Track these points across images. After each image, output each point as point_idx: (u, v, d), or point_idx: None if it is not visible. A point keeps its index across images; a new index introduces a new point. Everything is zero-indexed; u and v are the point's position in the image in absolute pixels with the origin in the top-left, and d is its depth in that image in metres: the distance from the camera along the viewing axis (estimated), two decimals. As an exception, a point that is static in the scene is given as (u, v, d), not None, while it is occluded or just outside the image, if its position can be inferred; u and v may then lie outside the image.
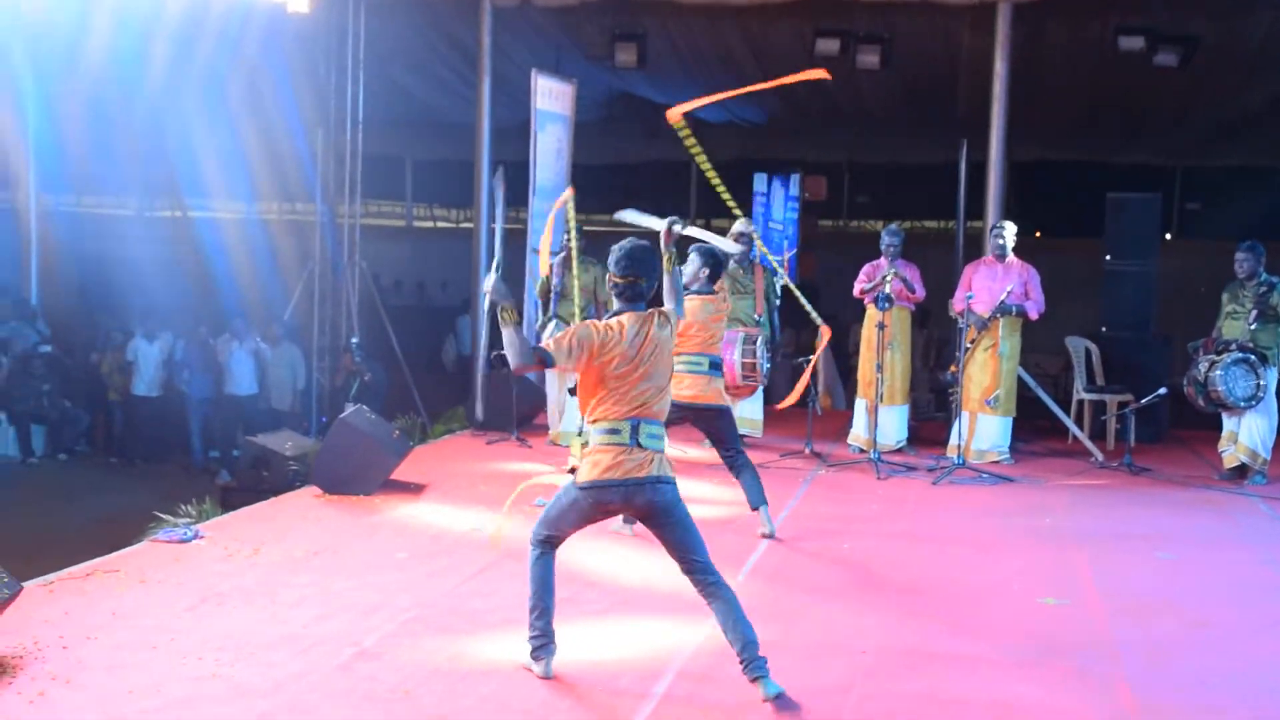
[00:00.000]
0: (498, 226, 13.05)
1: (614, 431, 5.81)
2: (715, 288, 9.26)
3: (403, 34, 17.11)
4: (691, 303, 8.67)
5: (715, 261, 8.87)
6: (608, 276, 6.07)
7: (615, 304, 6.04)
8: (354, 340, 16.09)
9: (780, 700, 5.66)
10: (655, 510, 5.88)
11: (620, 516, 8.71)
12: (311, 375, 16.77)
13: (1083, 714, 5.81)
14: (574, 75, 15.75)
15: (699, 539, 5.92)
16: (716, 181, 8.74)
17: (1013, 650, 6.74)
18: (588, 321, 5.95)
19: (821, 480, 11.34)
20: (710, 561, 5.91)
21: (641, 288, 5.99)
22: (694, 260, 8.83)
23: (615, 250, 6.02)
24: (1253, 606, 7.81)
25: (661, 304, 6.14)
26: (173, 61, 14.97)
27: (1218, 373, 11.47)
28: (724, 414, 8.92)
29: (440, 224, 27.98)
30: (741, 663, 5.72)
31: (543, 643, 5.97)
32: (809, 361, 13.13)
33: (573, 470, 6.03)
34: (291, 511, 9.61)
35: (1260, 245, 11.80)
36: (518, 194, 15.29)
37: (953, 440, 12.04)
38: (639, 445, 5.79)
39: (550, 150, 14.76)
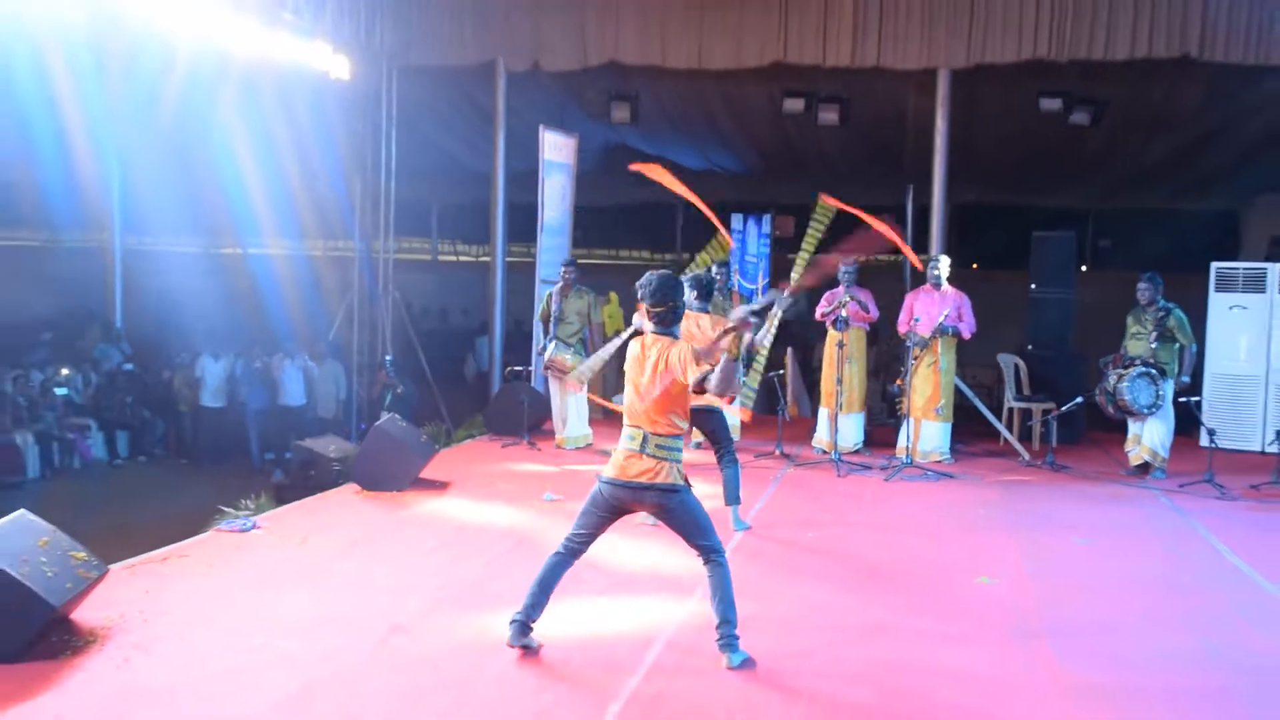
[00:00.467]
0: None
1: (628, 438, 5.84)
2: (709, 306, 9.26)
3: (429, 96, 17.11)
4: (687, 320, 8.67)
5: (702, 284, 8.85)
6: (645, 309, 5.97)
7: (652, 327, 5.95)
8: (388, 358, 16.09)
9: (744, 665, 5.75)
10: (660, 512, 5.92)
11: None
12: (352, 388, 16.81)
13: (1013, 679, 5.82)
14: (576, 130, 15.76)
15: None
16: (706, 213, 8.72)
17: (953, 623, 6.74)
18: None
19: (790, 477, 11.32)
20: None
21: (675, 313, 5.95)
22: (686, 286, 8.81)
23: (648, 282, 5.95)
24: (1155, 584, 7.83)
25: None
26: (234, 118, 14.99)
27: (1124, 384, 11.51)
28: (714, 414, 8.88)
29: (462, 258, 27.95)
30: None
31: (523, 620, 5.97)
32: (780, 375, 13.19)
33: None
34: (335, 506, 9.61)
35: (1159, 276, 11.84)
36: (527, 231, 15.26)
37: (901, 442, 12.03)
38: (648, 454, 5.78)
39: (556, 194, 14.75)
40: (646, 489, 5.80)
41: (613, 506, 5.94)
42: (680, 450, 5.87)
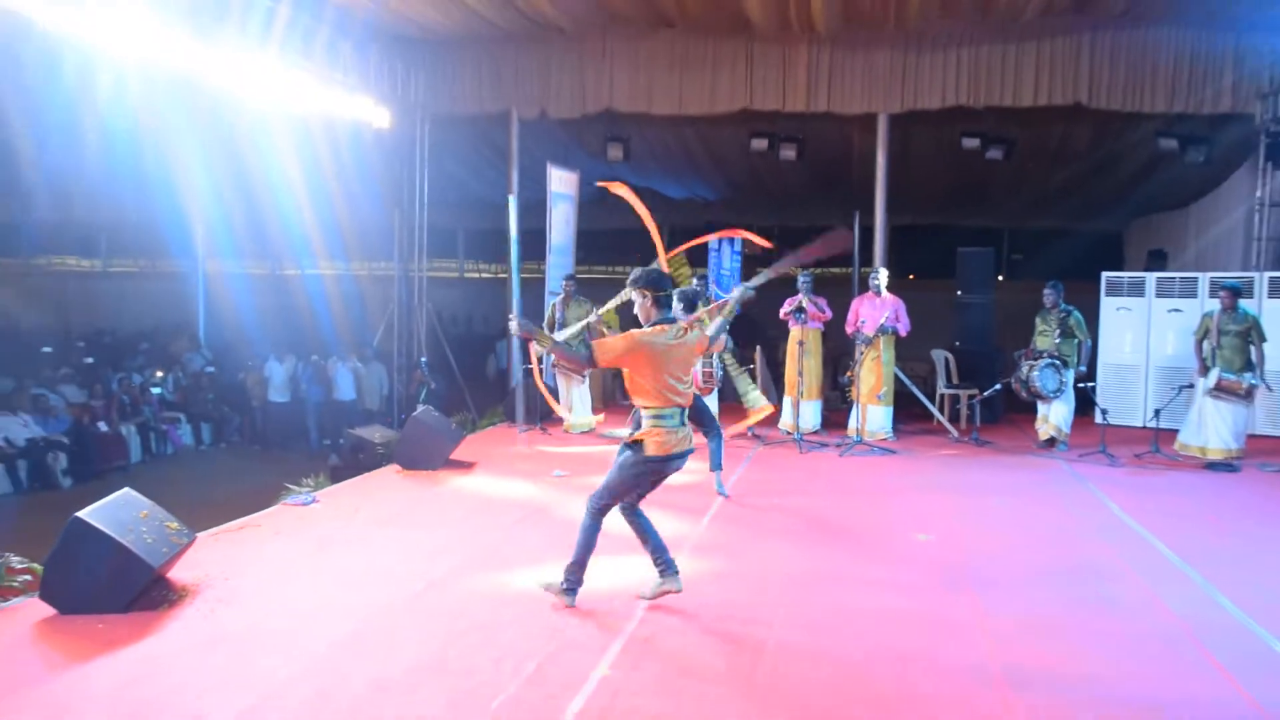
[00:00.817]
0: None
1: (664, 417, 5.67)
2: (696, 315, 9.24)
3: (455, 140, 17.13)
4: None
5: (688, 298, 8.83)
6: (643, 293, 5.77)
7: (655, 314, 5.76)
8: (423, 360, 16.08)
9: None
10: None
11: None
12: (393, 385, 16.81)
13: (947, 619, 5.81)
14: (578, 167, 15.75)
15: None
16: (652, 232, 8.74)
17: (898, 573, 6.75)
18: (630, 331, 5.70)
19: (760, 455, 11.33)
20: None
21: (669, 298, 5.81)
22: (675, 299, 8.79)
23: (640, 275, 5.81)
24: (1059, 537, 7.84)
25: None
26: (293, 161, 15.01)
27: (1034, 373, 11.56)
28: (696, 399, 8.87)
29: (484, 275, 27.92)
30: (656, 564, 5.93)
31: (572, 587, 5.88)
32: (751, 369, 13.18)
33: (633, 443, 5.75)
34: (380, 483, 9.61)
35: (1060, 284, 11.96)
36: (538, 251, 15.26)
37: (852, 424, 12.05)
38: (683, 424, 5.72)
39: (561, 220, 14.74)
40: (685, 455, 5.78)
41: (661, 478, 5.89)
42: None
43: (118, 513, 5.87)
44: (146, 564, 5.68)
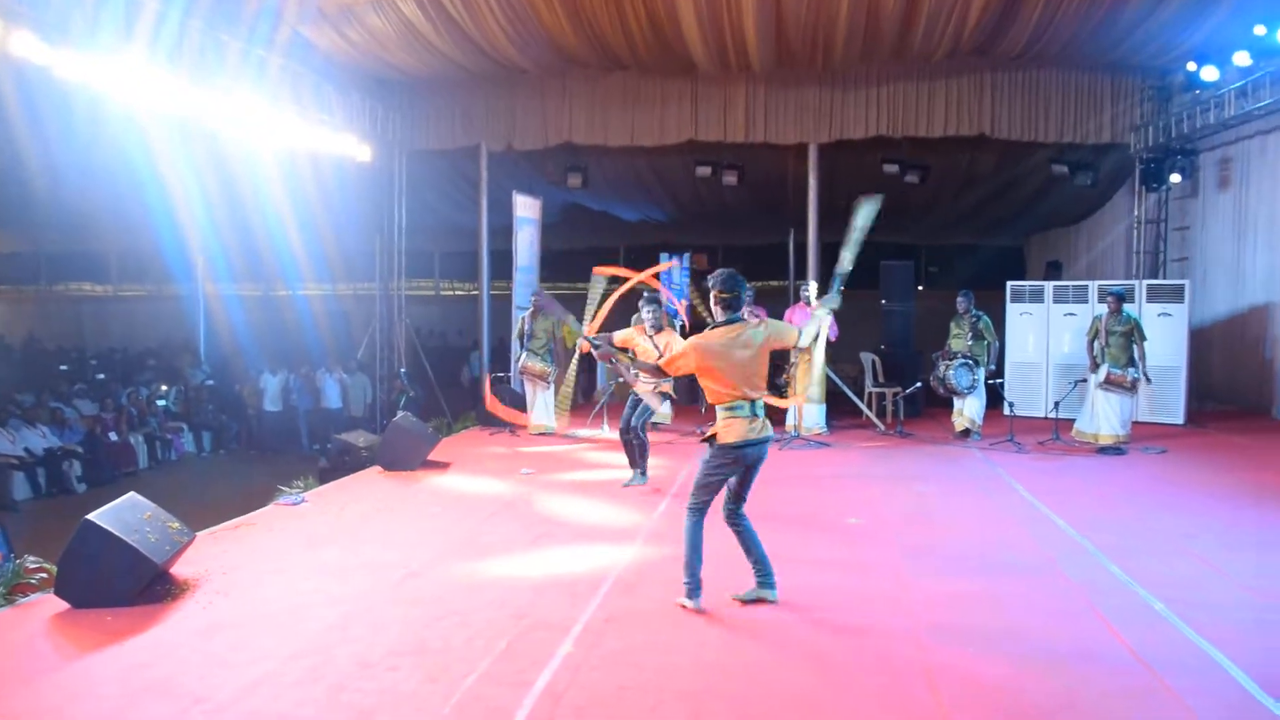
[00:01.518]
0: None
1: (735, 408, 5.43)
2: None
3: (430, 172, 17.09)
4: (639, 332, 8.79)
5: (659, 304, 8.82)
6: (713, 293, 5.54)
7: (719, 315, 5.55)
8: (402, 370, 16.01)
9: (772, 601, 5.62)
10: (759, 460, 5.56)
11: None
12: (376, 393, 16.74)
13: (878, 593, 5.84)
14: (540, 194, 15.72)
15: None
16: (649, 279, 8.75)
17: (832, 553, 6.77)
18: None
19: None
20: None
21: (739, 300, 5.55)
22: (646, 309, 8.76)
23: (716, 276, 5.57)
24: (975, 517, 7.90)
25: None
26: (283, 192, 14.90)
27: (950, 372, 11.66)
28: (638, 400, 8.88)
29: (458, 292, 27.70)
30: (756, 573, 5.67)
31: (691, 590, 5.52)
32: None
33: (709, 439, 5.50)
34: (364, 482, 9.51)
35: (971, 292, 12.09)
36: (505, 270, 15.23)
37: (790, 420, 12.07)
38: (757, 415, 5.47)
39: (526, 243, 14.68)
40: (766, 441, 5.52)
41: (742, 466, 5.52)
42: None
43: (124, 515, 5.79)
44: (151, 561, 5.60)
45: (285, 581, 6.10)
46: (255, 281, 25.08)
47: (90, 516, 5.59)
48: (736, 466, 5.50)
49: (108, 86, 9.35)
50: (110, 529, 5.55)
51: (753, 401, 5.45)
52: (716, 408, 5.51)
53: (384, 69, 14.19)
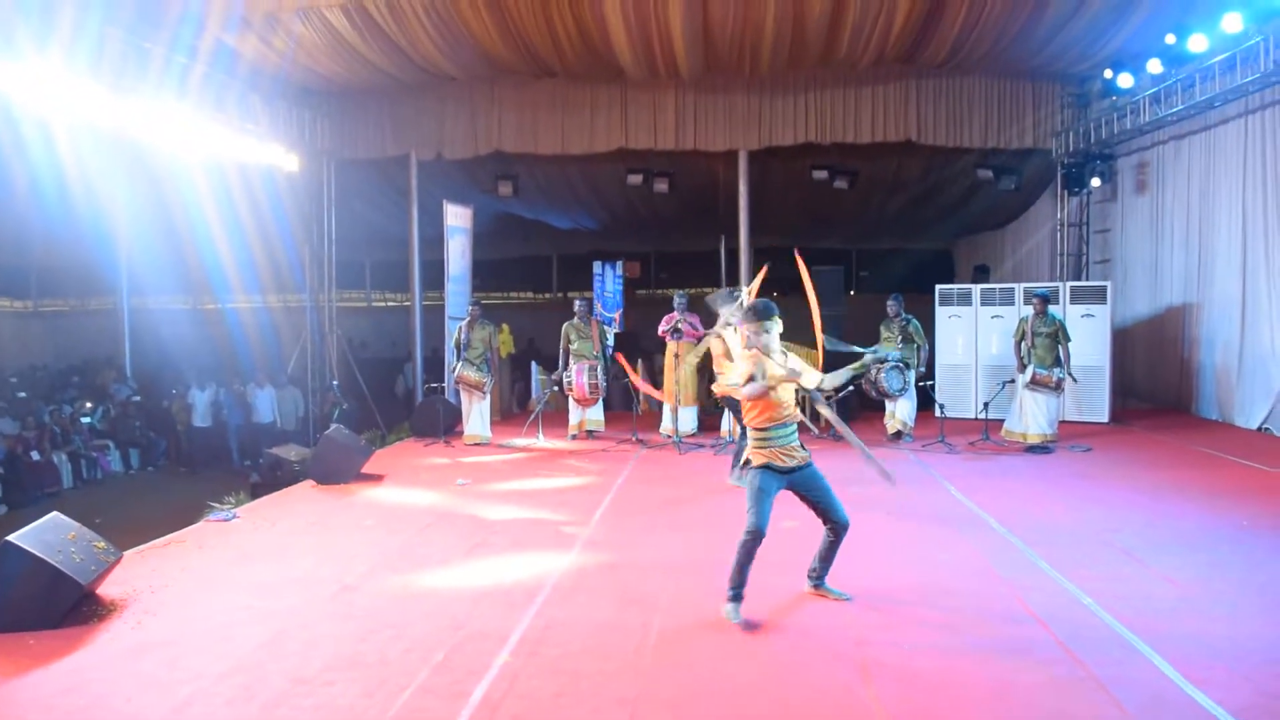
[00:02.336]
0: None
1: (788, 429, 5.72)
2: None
3: (359, 181, 16.94)
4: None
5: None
6: (745, 326, 5.69)
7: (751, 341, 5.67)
8: (334, 383, 15.83)
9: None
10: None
11: None
12: (308, 407, 16.52)
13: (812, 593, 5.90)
14: (471, 203, 15.67)
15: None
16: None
17: (767, 555, 6.77)
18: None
19: (644, 456, 11.34)
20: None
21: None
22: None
23: (752, 308, 5.74)
24: (907, 516, 8.00)
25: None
26: (210, 203, 14.69)
27: (881, 375, 11.80)
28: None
29: (390, 303, 27.42)
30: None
31: (736, 596, 5.50)
32: (630, 381, 13.21)
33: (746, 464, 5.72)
34: (296, 497, 9.35)
35: (901, 296, 12.24)
36: (437, 280, 15.14)
37: (725, 426, 12.12)
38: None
39: (458, 252, 14.62)
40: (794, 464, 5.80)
41: (789, 480, 5.80)
42: None
43: (46, 535, 5.65)
44: (75, 582, 5.47)
45: (217, 599, 5.98)
46: (183, 294, 24.64)
47: (10, 537, 5.44)
48: (776, 490, 5.78)
49: (24, 94, 9.14)
50: (31, 550, 5.40)
51: (786, 424, 5.87)
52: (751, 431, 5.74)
53: (311, 78, 14.03)
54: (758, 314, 5.65)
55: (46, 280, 26.98)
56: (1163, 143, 13.80)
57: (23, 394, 19.00)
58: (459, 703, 4.37)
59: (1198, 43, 11.16)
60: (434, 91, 14.92)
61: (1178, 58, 11.65)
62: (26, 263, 25.52)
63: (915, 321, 12.05)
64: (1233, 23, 10.49)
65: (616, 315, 13.42)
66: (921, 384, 12.16)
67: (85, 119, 10.25)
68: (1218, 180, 12.57)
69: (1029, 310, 11.63)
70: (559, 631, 5.30)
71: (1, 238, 20.35)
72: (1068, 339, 11.22)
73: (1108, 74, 12.99)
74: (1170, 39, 11.41)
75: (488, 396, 12.30)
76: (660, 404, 12.99)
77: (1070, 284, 13.71)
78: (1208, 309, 12.91)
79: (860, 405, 14.03)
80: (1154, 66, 12.07)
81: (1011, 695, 4.38)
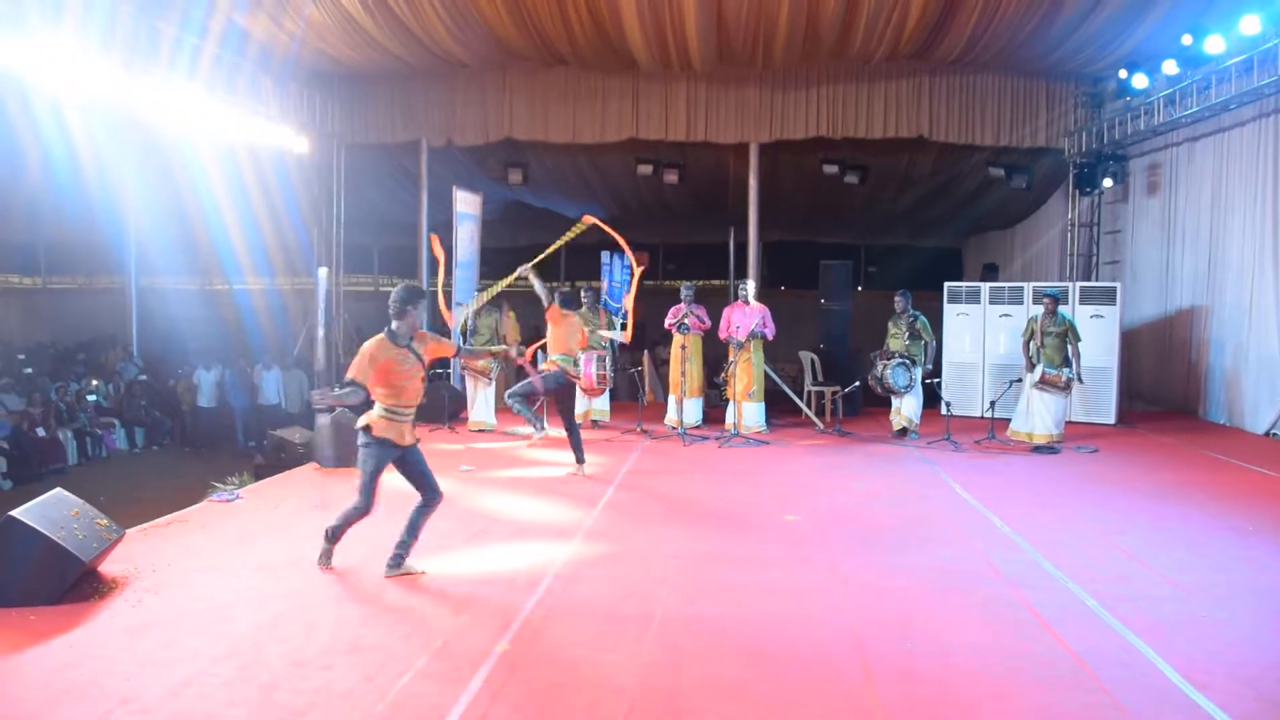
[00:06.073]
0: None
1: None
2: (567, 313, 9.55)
3: (369, 166, 16.91)
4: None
5: (567, 297, 8.96)
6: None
7: None
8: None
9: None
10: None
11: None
12: (313, 389, 16.45)
13: (813, 588, 5.87)
14: (481, 189, 15.61)
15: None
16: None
17: (770, 549, 6.80)
18: None
19: (648, 447, 11.32)
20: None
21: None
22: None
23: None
24: (911, 513, 7.96)
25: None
26: (221, 184, 14.69)
27: (888, 371, 11.76)
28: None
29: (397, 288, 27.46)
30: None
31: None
32: (639, 370, 13.20)
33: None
34: (300, 479, 9.35)
35: (909, 293, 12.18)
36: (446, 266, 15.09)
37: (729, 419, 12.10)
38: None
39: (466, 239, 14.57)
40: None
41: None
42: None
43: (49, 511, 5.64)
44: (77, 558, 5.46)
45: (217, 579, 5.97)
46: (191, 274, 24.65)
47: (14, 513, 5.44)
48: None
49: (36, 72, 9.11)
50: (34, 525, 5.40)
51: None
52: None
53: (322, 61, 13.99)
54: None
55: (56, 257, 27.00)
56: (1176, 144, 13.72)
57: (29, 370, 19.05)
58: (458, 689, 4.35)
59: (1214, 44, 11.10)
60: (446, 77, 14.90)
61: (1194, 59, 11.58)
62: (36, 240, 25.56)
63: (923, 318, 12.00)
64: (1251, 25, 10.43)
65: (624, 306, 13.41)
66: (928, 381, 12.12)
67: (96, 97, 10.24)
68: (1231, 183, 12.50)
69: (1039, 310, 11.58)
70: (559, 621, 5.28)
71: (12, 214, 20.38)
72: (1078, 339, 11.17)
73: (1122, 74, 12.93)
74: (1187, 40, 11.35)
75: (493, 383, 12.30)
76: (667, 395, 12.97)
77: (1080, 285, 13.64)
78: (1217, 313, 12.85)
79: (866, 401, 14.03)
80: (1169, 67, 12.01)
81: (1013, 697, 4.35)
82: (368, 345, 5.88)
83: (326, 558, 6.15)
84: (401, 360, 5.87)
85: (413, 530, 6.09)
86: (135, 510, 7.82)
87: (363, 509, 6.02)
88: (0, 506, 6.22)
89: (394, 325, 5.92)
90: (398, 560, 6.03)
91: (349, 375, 5.81)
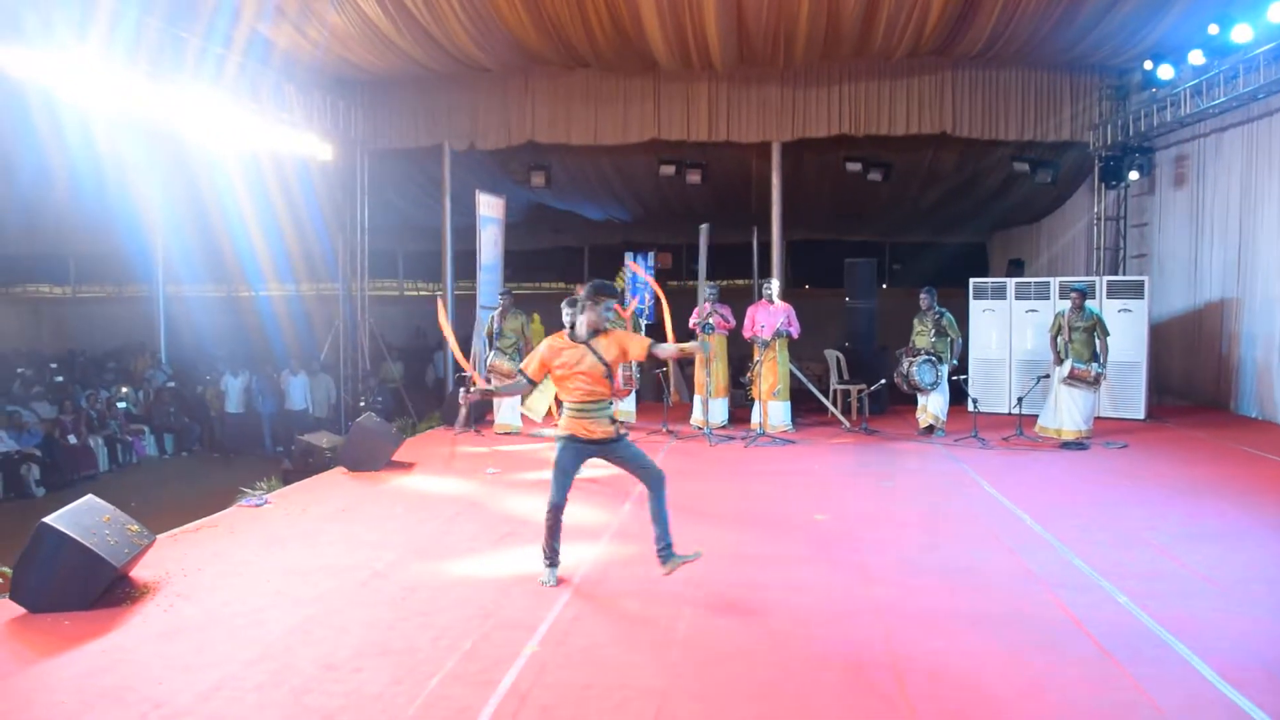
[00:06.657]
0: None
1: None
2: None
3: (392, 171, 16.99)
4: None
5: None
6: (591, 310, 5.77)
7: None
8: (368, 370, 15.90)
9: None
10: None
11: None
12: (339, 394, 16.56)
13: (838, 587, 5.85)
14: (504, 193, 15.65)
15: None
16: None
17: (798, 549, 6.78)
18: None
19: (674, 448, 11.30)
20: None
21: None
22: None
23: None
24: (939, 510, 7.93)
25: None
26: (245, 192, 14.80)
27: (914, 369, 11.71)
28: None
29: (421, 292, 27.51)
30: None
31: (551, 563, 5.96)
32: (664, 371, 13.19)
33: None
34: (327, 484, 9.40)
35: (934, 289, 12.10)
36: (469, 270, 15.15)
37: (755, 419, 12.04)
38: None
39: (490, 242, 14.61)
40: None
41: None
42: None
43: (82, 517, 5.69)
44: (109, 564, 5.51)
45: (247, 584, 6.01)
46: (217, 282, 24.88)
47: (47, 519, 5.49)
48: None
49: (64, 85, 9.21)
50: (67, 532, 5.45)
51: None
52: None
53: (345, 67, 14.08)
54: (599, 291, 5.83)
55: (85, 267, 27.38)
56: (1203, 136, 13.57)
57: (60, 379, 19.28)
58: (487, 691, 4.36)
59: (1242, 33, 10.97)
60: (468, 82, 14.94)
61: (1220, 49, 11.46)
62: (66, 250, 25.90)
63: (949, 315, 11.94)
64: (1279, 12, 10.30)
65: (648, 308, 13.40)
66: (954, 378, 12.05)
67: (123, 108, 10.33)
68: (1260, 173, 12.34)
69: (1065, 305, 11.48)
70: (587, 622, 5.28)
71: (42, 225, 20.67)
72: (1106, 333, 11.07)
73: (1147, 65, 12.81)
74: (1213, 29, 11.22)
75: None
76: (693, 395, 12.95)
77: (1107, 279, 13.52)
78: (1249, 304, 12.69)
79: (892, 399, 13.96)
80: (1195, 58, 11.88)
81: (1044, 695, 4.31)
82: (544, 340, 5.95)
83: (552, 579, 5.91)
84: (573, 357, 5.79)
85: (658, 521, 5.84)
86: (165, 516, 7.88)
87: (551, 502, 5.86)
88: (33, 514, 6.32)
89: (574, 321, 5.93)
90: (666, 553, 5.80)
91: (520, 366, 5.94)
